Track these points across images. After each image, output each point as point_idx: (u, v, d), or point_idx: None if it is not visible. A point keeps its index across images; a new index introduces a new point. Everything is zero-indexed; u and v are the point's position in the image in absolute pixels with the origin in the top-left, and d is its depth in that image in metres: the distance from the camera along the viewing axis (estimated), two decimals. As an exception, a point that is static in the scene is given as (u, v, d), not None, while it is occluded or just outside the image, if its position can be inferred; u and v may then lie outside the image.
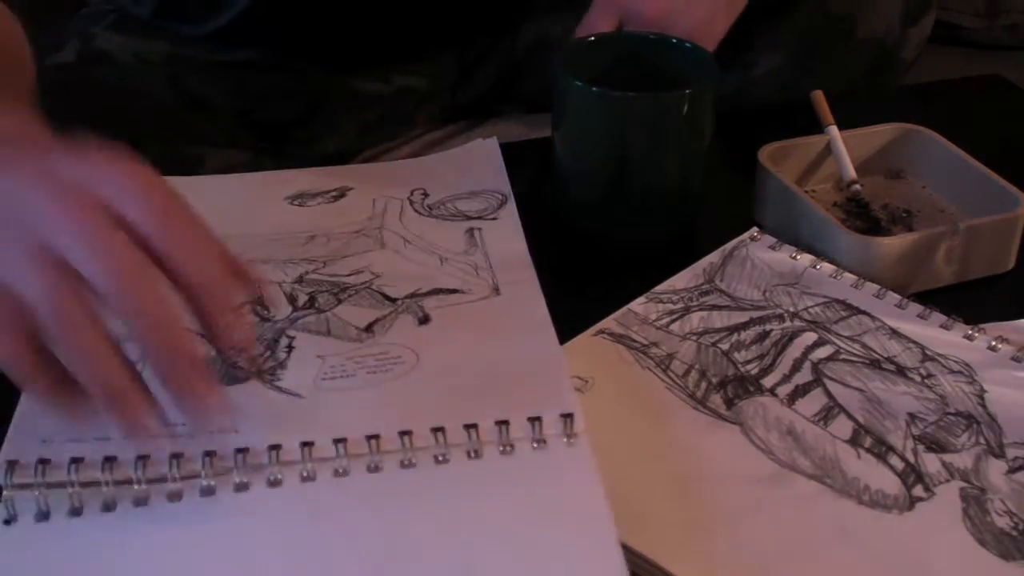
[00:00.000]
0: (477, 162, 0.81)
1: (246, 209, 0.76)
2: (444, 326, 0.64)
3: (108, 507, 0.53)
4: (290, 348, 0.62)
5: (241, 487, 0.53)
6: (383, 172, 0.84)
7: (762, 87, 0.99)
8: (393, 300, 0.66)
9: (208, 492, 0.53)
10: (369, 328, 0.64)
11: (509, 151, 0.83)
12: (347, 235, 0.73)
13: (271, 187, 0.79)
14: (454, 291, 0.67)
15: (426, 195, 0.78)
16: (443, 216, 0.75)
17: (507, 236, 0.73)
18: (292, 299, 0.66)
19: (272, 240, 0.72)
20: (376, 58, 0.99)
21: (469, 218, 0.75)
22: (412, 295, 0.67)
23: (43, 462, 0.53)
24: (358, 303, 0.66)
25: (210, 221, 0.69)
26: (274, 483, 0.53)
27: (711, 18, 0.82)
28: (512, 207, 0.76)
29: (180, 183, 0.77)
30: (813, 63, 0.98)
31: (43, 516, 0.52)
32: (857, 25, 0.98)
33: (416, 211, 0.76)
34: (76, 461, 0.53)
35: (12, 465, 0.53)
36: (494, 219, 0.75)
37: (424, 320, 0.65)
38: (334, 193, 0.78)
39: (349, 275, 0.69)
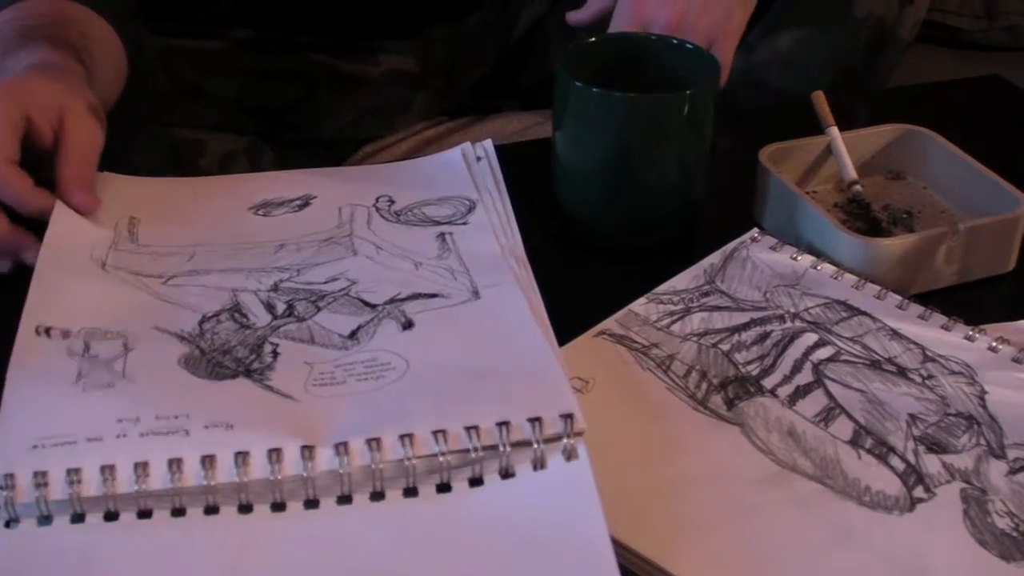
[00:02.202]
0: (441, 171, 0.80)
1: (210, 217, 0.75)
2: (429, 331, 0.63)
3: (111, 516, 0.52)
4: (275, 354, 0.62)
5: (245, 508, 0.53)
6: (345, 176, 0.83)
7: (763, 68, 0.99)
8: (373, 306, 0.66)
9: (212, 511, 0.53)
10: (353, 335, 0.63)
11: (509, 151, 0.82)
12: (317, 243, 0.72)
13: (233, 195, 0.78)
14: (434, 295, 0.67)
15: (392, 202, 0.77)
16: (412, 222, 0.74)
17: (479, 240, 0.72)
18: (270, 307, 0.66)
19: (241, 250, 0.72)
20: (361, 29, 0.99)
21: (439, 223, 0.74)
22: (392, 300, 0.66)
23: (40, 474, 0.52)
24: (338, 310, 0.65)
25: (177, 226, 0.73)
26: (277, 506, 0.53)
27: (728, 15, 0.83)
28: (481, 212, 0.74)
29: (132, 183, 0.78)
30: (813, 42, 0.99)
31: (44, 519, 0.52)
32: (855, 3, 0.98)
33: (384, 218, 0.75)
34: (74, 472, 0.52)
35: (10, 478, 0.52)
36: (464, 224, 0.74)
37: (408, 325, 0.64)
38: (298, 202, 0.77)
39: (325, 282, 0.68)
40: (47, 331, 0.61)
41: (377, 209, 0.76)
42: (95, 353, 0.60)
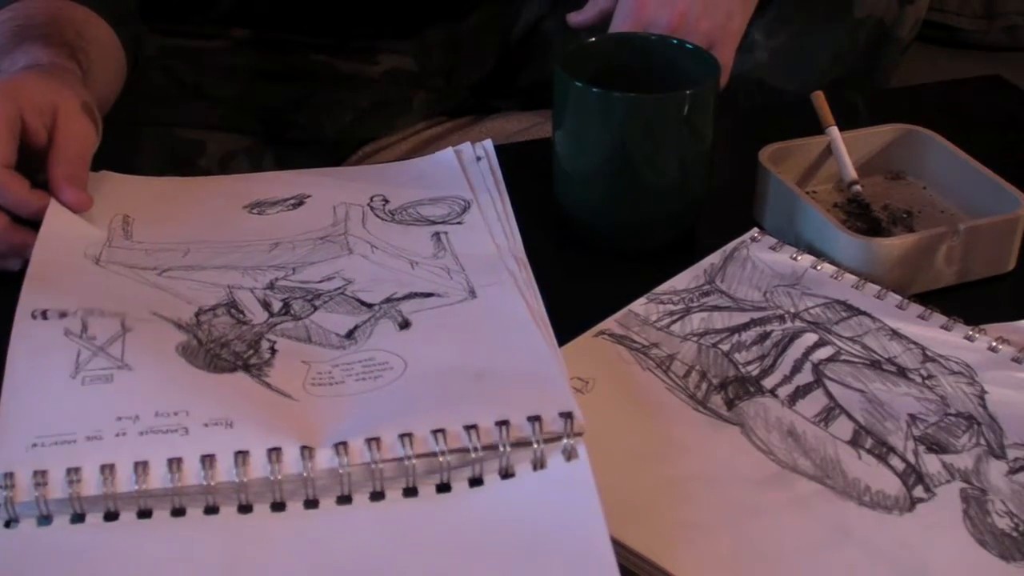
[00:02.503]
0: (435, 171, 0.80)
1: (204, 216, 0.75)
2: (426, 330, 0.63)
3: (110, 516, 0.52)
4: (273, 351, 0.62)
5: (244, 508, 0.53)
6: (340, 176, 0.83)
7: (764, 69, 0.99)
8: (370, 306, 0.66)
9: (212, 511, 0.53)
10: (350, 335, 0.63)
11: (509, 151, 0.82)
12: (312, 241, 0.72)
13: (227, 194, 0.78)
14: (430, 295, 0.67)
15: (386, 201, 0.77)
16: (406, 221, 0.74)
17: (475, 240, 0.72)
18: (266, 305, 0.66)
19: (236, 247, 0.72)
20: (361, 29, 0.99)
21: (433, 223, 0.74)
22: (388, 300, 0.66)
23: (40, 472, 0.52)
24: (334, 309, 0.65)
25: (171, 224, 0.73)
26: (277, 506, 0.53)
27: (728, 17, 0.83)
28: (476, 212, 0.75)
29: (127, 181, 0.78)
30: (813, 42, 0.99)
31: (44, 519, 0.52)
32: (855, 3, 0.98)
33: (379, 216, 0.75)
34: (73, 471, 0.52)
35: (9, 477, 0.52)
36: (459, 224, 0.74)
37: (405, 325, 0.64)
38: (292, 201, 0.77)
39: (321, 281, 0.68)
40: (43, 314, 0.61)
41: (372, 208, 0.76)
42: (92, 334, 0.60)
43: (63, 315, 0.61)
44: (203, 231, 0.73)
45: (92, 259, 0.69)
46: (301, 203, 0.77)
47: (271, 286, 0.67)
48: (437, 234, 0.73)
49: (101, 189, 0.75)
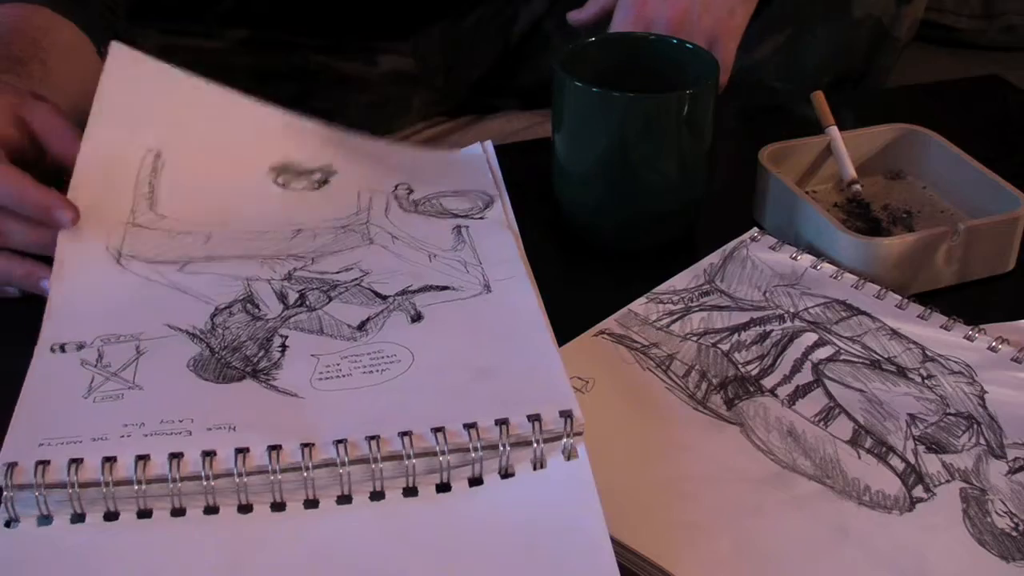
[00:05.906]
0: (463, 166, 0.81)
1: (231, 180, 0.75)
2: (437, 324, 0.64)
3: (110, 516, 0.53)
4: (284, 347, 0.62)
5: (244, 508, 0.53)
6: (370, 151, 0.82)
7: (762, 68, 0.99)
8: (384, 297, 0.66)
9: (212, 511, 0.53)
10: (362, 326, 0.64)
11: (509, 151, 0.82)
12: (333, 230, 0.73)
13: (257, 143, 0.78)
14: (445, 288, 0.67)
15: (411, 191, 0.77)
16: (429, 213, 0.75)
17: (495, 235, 0.72)
18: (282, 297, 0.66)
19: (258, 235, 0.72)
20: (359, 29, 0.99)
21: (456, 216, 0.74)
22: (403, 292, 0.66)
23: (42, 463, 0.53)
24: (349, 301, 0.66)
25: (200, 169, 0.74)
26: (277, 506, 0.53)
27: (730, 13, 0.83)
28: (498, 208, 0.75)
29: (164, 88, 0.79)
30: (811, 42, 0.99)
31: (44, 519, 0.52)
32: (853, 3, 0.98)
33: (401, 207, 0.75)
34: (75, 462, 0.53)
35: (11, 467, 0.53)
36: (481, 219, 0.74)
37: (416, 318, 0.64)
38: (318, 176, 0.77)
39: (338, 272, 0.69)
40: (62, 347, 0.62)
41: (396, 197, 0.76)
42: (107, 363, 0.61)
43: (80, 347, 0.62)
44: (227, 207, 0.73)
45: (114, 253, 0.69)
46: (327, 180, 0.77)
47: (289, 276, 0.68)
48: (458, 227, 0.73)
49: (138, 98, 0.75)
